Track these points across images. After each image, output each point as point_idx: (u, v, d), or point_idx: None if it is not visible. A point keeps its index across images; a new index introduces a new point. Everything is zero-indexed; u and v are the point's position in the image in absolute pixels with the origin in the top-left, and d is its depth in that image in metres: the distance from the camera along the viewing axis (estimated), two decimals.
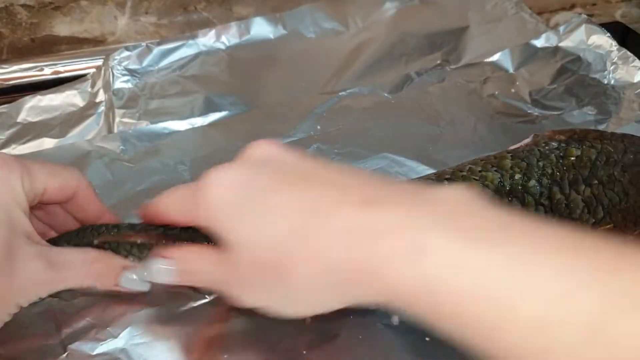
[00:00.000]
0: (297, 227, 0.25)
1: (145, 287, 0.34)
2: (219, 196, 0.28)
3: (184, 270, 0.30)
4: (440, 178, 0.37)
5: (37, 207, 0.34)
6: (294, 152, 0.29)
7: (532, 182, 0.35)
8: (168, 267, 0.30)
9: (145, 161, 0.48)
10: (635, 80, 0.51)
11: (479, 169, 0.36)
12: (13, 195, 0.31)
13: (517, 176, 0.35)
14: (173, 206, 0.31)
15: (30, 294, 0.32)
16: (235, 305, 0.29)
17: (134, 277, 0.34)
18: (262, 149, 0.29)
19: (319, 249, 0.25)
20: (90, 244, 0.36)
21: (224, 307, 0.36)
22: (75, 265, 0.33)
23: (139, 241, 0.35)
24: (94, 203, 0.36)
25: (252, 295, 0.28)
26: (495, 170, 0.36)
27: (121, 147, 0.50)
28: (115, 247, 0.36)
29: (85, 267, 0.33)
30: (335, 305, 0.27)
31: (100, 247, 0.35)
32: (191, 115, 0.53)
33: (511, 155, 0.37)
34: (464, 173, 0.37)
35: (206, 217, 0.28)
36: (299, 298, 0.27)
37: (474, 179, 0.36)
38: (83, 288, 0.34)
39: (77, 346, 0.34)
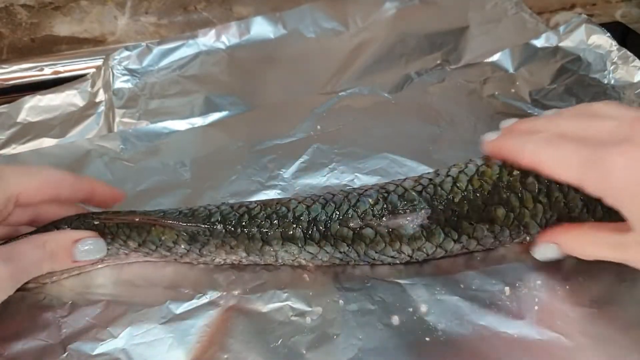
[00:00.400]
0: None
1: (101, 254, 0.35)
2: (628, 174, 0.28)
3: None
4: (439, 174, 0.37)
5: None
6: None
7: (530, 179, 0.35)
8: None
9: (145, 161, 0.48)
10: (635, 80, 0.51)
11: (480, 163, 0.37)
12: None
13: (515, 172, 0.35)
14: (561, 163, 0.31)
15: None
16: None
17: (88, 246, 0.34)
18: None
19: None
20: (90, 228, 0.36)
21: (225, 307, 0.36)
22: (28, 254, 0.33)
23: (137, 219, 0.36)
24: (83, 183, 0.37)
25: None
26: (495, 166, 0.36)
27: (121, 146, 0.50)
28: (114, 231, 0.36)
29: (38, 252, 0.33)
30: None
31: (99, 230, 0.36)
32: (191, 115, 0.53)
33: None
34: (463, 167, 0.37)
35: (610, 191, 0.30)
36: None
37: (473, 175, 0.36)
38: (46, 275, 0.35)
39: (77, 346, 0.34)
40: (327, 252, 0.36)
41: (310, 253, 0.36)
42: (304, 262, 0.37)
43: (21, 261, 0.33)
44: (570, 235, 0.34)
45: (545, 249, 0.35)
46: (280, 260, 0.37)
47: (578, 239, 0.34)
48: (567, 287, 0.36)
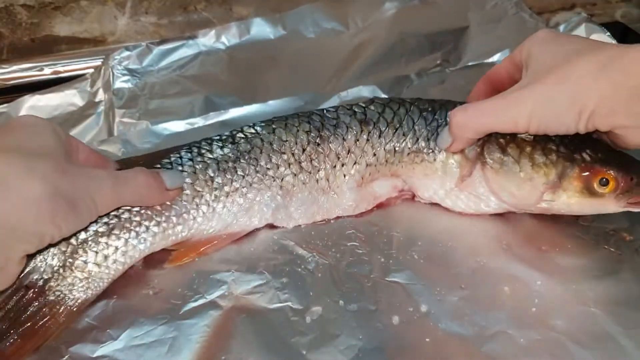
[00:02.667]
0: None
1: (182, 180, 0.39)
2: None
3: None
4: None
5: None
6: None
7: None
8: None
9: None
10: None
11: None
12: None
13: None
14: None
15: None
16: None
17: (170, 174, 0.38)
18: None
19: None
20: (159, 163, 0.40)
21: (226, 308, 0.36)
22: (131, 182, 0.36)
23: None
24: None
25: None
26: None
27: (122, 149, 0.50)
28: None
29: (141, 180, 0.36)
30: None
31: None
32: (191, 115, 0.53)
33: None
34: None
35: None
36: None
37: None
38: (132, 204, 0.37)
39: (78, 348, 0.34)
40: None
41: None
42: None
43: (125, 188, 0.36)
44: (458, 111, 0.38)
45: (442, 134, 0.40)
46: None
47: (465, 112, 0.38)
48: (567, 287, 0.36)
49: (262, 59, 0.59)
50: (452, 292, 0.36)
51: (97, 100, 0.55)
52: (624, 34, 0.63)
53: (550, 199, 0.38)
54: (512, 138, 0.39)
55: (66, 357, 0.34)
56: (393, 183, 0.43)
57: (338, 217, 0.42)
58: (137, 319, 0.36)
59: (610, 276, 0.37)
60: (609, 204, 0.38)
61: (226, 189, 0.40)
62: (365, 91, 0.54)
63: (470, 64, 0.57)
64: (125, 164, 0.40)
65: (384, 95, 0.54)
